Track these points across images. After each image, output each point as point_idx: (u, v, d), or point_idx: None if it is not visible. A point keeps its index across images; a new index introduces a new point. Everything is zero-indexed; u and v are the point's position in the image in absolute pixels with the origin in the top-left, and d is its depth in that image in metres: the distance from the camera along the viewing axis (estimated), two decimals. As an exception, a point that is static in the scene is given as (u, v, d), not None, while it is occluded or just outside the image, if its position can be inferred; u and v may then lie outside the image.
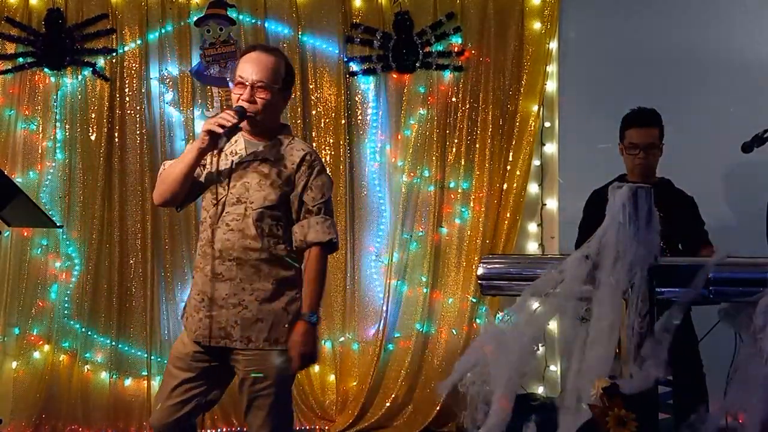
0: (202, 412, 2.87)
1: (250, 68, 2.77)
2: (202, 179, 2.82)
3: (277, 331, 2.73)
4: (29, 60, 4.59)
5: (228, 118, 2.66)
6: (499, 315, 4.72)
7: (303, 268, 2.79)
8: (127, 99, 4.66)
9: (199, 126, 4.66)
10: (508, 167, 4.78)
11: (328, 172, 2.91)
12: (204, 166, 2.82)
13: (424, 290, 4.76)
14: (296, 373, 2.82)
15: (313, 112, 4.78)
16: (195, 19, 4.65)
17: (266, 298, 2.73)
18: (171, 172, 2.78)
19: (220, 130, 2.64)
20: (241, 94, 2.76)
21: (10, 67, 4.60)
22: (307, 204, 2.77)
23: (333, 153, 4.76)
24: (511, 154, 4.78)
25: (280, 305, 2.74)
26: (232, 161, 2.79)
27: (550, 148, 4.89)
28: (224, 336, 2.72)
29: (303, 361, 2.73)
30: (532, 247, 4.87)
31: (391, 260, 4.73)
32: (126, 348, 4.61)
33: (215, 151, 2.77)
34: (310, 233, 2.74)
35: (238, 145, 2.82)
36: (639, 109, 3.73)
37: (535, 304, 1.91)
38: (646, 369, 1.56)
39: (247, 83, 2.75)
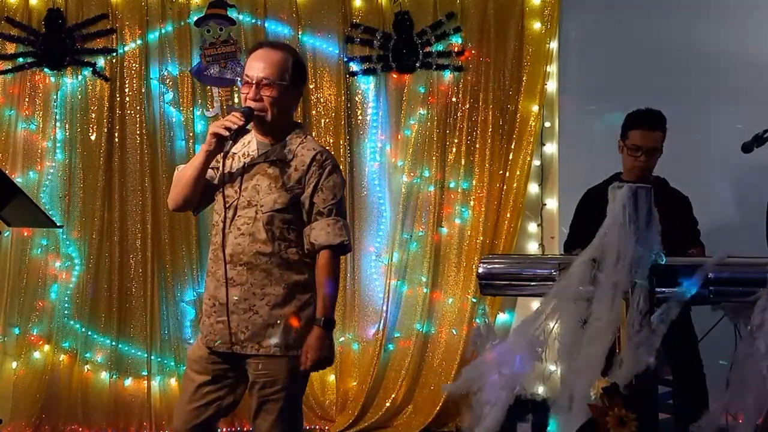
0: (221, 416, 2.82)
1: (255, 66, 2.68)
2: (216, 182, 2.76)
3: (288, 337, 2.66)
4: (29, 60, 4.59)
5: (234, 119, 2.60)
6: (499, 316, 4.78)
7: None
8: (127, 99, 4.65)
9: (199, 126, 4.68)
10: (508, 167, 4.77)
11: (341, 171, 2.82)
12: (217, 168, 2.75)
13: (424, 290, 4.76)
14: (307, 377, 2.77)
15: (313, 112, 4.78)
16: (195, 19, 4.65)
17: (278, 303, 2.66)
18: (182, 176, 2.73)
19: (226, 133, 2.58)
20: (247, 93, 2.68)
21: (10, 67, 4.60)
22: (318, 206, 2.68)
23: (333, 153, 4.75)
24: (511, 154, 4.77)
25: (292, 310, 2.67)
26: (244, 163, 2.72)
27: (550, 148, 4.88)
28: (235, 341, 2.67)
29: (319, 365, 2.67)
30: (532, 247, 4.86)
31: (391, 260, 4.73)
32: (126, 348, 4.61)
33: (227, 153, 2.71)
34: (320, 236, 2.66)
35: (251, 146, 2.75)
36: (646, 111, 3.64)
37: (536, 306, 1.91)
38: (638, 356, 1.56)
39: (252, 82, 2.66)
